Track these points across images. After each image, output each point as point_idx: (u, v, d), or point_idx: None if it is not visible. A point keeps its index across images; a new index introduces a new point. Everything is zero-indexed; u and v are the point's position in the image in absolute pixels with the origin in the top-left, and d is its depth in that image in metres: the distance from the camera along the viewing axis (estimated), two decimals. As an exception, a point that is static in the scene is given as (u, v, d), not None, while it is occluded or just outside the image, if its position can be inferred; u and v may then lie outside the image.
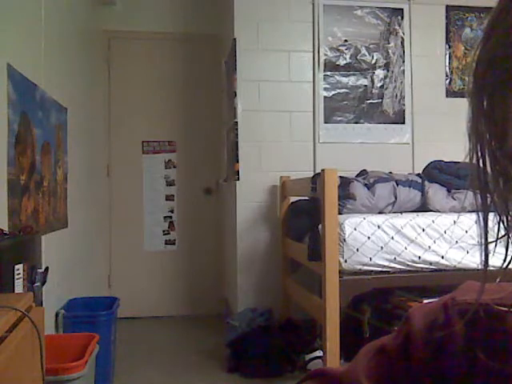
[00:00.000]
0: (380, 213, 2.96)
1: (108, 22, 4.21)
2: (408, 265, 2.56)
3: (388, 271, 2.57)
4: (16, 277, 1.65)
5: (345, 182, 3.04)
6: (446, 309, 0.45)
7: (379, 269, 2.55)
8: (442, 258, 2.58)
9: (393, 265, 2.55)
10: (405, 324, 0.47)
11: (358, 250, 2.51)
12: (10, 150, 2.01)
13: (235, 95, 3.46)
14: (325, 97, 3.57)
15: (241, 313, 3.24)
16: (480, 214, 0.40)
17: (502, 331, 0.41)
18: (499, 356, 0.40)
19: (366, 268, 2.53)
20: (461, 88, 3.76)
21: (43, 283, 1.91)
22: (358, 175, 3.37)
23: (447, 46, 3.75)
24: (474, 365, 0.41)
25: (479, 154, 0.40)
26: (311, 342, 2.97)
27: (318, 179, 2.59)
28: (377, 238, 2.54)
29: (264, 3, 3.52)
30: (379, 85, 3.65)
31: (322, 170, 2.48)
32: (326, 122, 3.57)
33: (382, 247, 2.54)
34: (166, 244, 4.36)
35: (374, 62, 3.64)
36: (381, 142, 3.63)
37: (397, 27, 3.66)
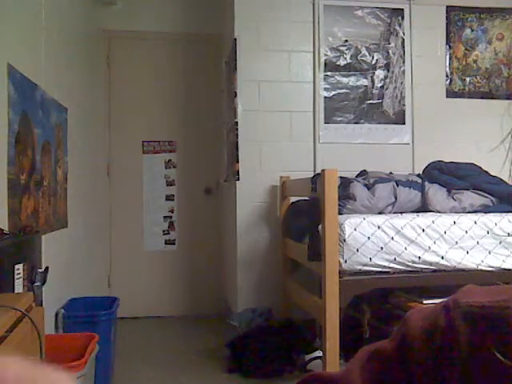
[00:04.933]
0: (380, 213, 2.96)
1: (108, 22, 4.21)
2: (408, 265, 2.56)
3: (388, 271, 2.57)
4: (16, 276, 1.65)
5: (345, 183, 3.04)
6: (448, 311, 0.45)
7: (379, 269, 2.55)
8: (442, 258, 2.57)
9: (393, 265, 2.55)
10: (401, 327, 0.47)
11: (358, 250, 2.51)
12: (10, 150, 2.01)
13: (235, 95, 3.46)
14: (325, 97, 3.57)
15: (241, 313, 3.24)
16: None
17: (506, 333, 0.41)
18: (506, 357, 0.40)
19: (366, 268, 2.53)
20: (461, 88, 3.76)
21: (43, 283, 1.91)
22: (358, 175, 3.37)
23: (447, 47, 3.75)
24: (478, 366, 0.41)
25: None
26: (311, 341, 2.97)
27: (318, 179, 2.59)
28: (377, 239, 2.54)
29: (264, 3, 3.52)
30: (379, 85, 3.65)
31: (323, 171, 2.48)
32: (326, 123, 3.57)
33: (381, 247, 2.54)
34: (165, 244, 4.36)
35: (374, 62, 3.64)
36: (381, 142, 3.63)
37: (397, 27, 3.66)
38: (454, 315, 0.44)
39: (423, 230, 2.59)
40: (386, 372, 0.45)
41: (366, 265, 2.52)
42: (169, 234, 4.36)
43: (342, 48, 3.60)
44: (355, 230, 2.53)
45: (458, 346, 0.42)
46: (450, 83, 3.75)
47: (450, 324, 0.43)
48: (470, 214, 2.77)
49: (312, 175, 2.91)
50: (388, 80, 3.65)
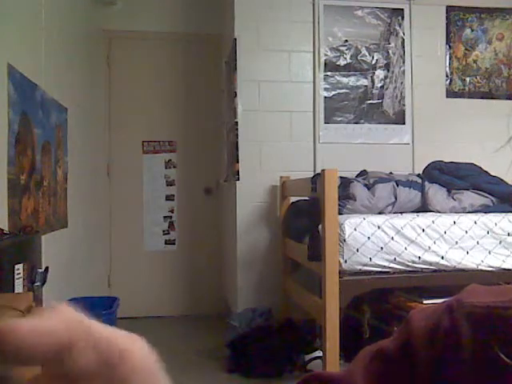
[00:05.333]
0: (380, 213, 2.96)
1: (108, 22, 4.21)
2: (408, 265, 2.56)
3: (388, 271, 2.57)
4: (16, 276, 1.65)
5: (345, 183, 3.04)
6: (452, 311, 0.44)
7: (379, 269, 2.55)
8: (442, 258, 2.57)
9: (393, 265, 2.55)
10: (404, 327, 0.47)
11: (358, 250, 2.51)
12: (10, 150, 2.01)
13: (235, 95, 3.46)
14: (325, 97, 3.57)
15: (241, 313, 3.24)
16: None
17: (510, 334, 0.41)
18: (510, 358, 0.39)
19: (366, 268, 2.53)
20: (461, 88, 3.76)
21: (43, 283, 1.91)
22: (358, 175, 3.37)
23: (447, 47, 3.75)
24: (482, 367, 0.41)
25: None
26: (311, 342, 2.97)
27: (318, 179, 2.59)
28: (377, 239, 2.54)
29: (264, 3, 3.52)
30: (379, 85, 3.64)
31: (323, 171, 2.48)
32: (326, 123, 3.57)
33: (381, 247, 2.54)
34: (165, 244, 4.36)
35: (374, 62, 3.63)
36: (381, 142, 3.63)
37: (397, 27, 3.66)
38: (458, 315, 0.43)
39: (423, 230, 2.59)
40: (389, 372, 0.45)
41: (366, 265, 2.52)
42: (169, 234, 4.36)
43: (341, 48, 3.60)
44: (355, 230, 2.53)
45: (461, 347, 0.42)
46: (450, 83, 3.75)
47: (453, 324, 0.43)
48: (470, 214, 2.77)
49: (312, 175, 2.91)
50: (388, 80, 3.65)
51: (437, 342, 0.43)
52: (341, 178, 2.94)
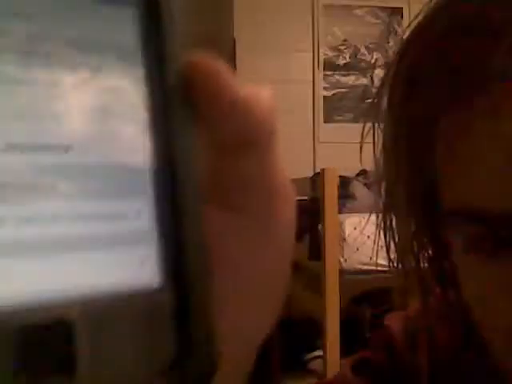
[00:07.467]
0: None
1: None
2: (408, 264, 2.56)
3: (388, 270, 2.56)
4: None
5: (345, 182, 3.03)
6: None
7: (379, 268, 2.54)
8: (443, 257, 2.57)
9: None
10: (383, 333, 0.46)
11: (358, 249, 2.51)
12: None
13: (235, 95, 3.46)
14: (324, 96, 3.57)
15: (241, 313, 3.24)
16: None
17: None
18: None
19: (366, 267, 2.52)
20: (461, 87, 3.76)
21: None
22: (358, 175, 3.36)
23: (447, 46, 3.75)
24: (459, 363, 0.40)
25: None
26: (311, 341, 2.97)
27: (317, 179, 2.58)
28: (377, 238, 2.53)
29: (264, 3, 3.52)
30: (379, 84, 3.64)
31: (322, 170, 2.47)
32: (325, 122, 3.57)
33: (382, 246, 2.53)
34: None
35: (373, 61, 3.63)
36: (381, 141, 3.63)
37: (396, 26, 3.66)
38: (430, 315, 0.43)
39: (423, 229, 2.58)
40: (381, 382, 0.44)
41: (366, 264, 2.52)
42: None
43: (341, 47, 3.59)
44: (355, 229, 2.52)
45: (437, 346, 0.41)
46: (449, 82, 3.75)
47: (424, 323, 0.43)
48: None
49: (312, 175, 2.90)
50: (387, 79, 3.65)
51: (415, 343, 0.42)
52: (341, 177, 2.94)
